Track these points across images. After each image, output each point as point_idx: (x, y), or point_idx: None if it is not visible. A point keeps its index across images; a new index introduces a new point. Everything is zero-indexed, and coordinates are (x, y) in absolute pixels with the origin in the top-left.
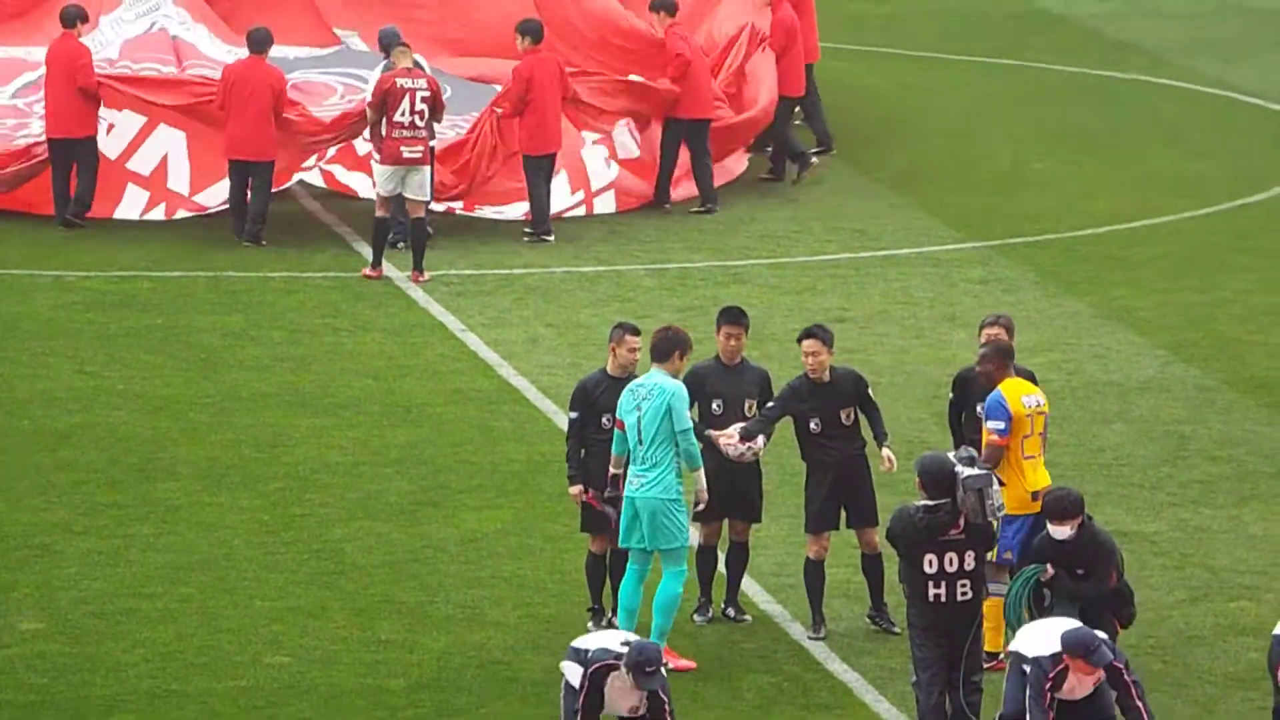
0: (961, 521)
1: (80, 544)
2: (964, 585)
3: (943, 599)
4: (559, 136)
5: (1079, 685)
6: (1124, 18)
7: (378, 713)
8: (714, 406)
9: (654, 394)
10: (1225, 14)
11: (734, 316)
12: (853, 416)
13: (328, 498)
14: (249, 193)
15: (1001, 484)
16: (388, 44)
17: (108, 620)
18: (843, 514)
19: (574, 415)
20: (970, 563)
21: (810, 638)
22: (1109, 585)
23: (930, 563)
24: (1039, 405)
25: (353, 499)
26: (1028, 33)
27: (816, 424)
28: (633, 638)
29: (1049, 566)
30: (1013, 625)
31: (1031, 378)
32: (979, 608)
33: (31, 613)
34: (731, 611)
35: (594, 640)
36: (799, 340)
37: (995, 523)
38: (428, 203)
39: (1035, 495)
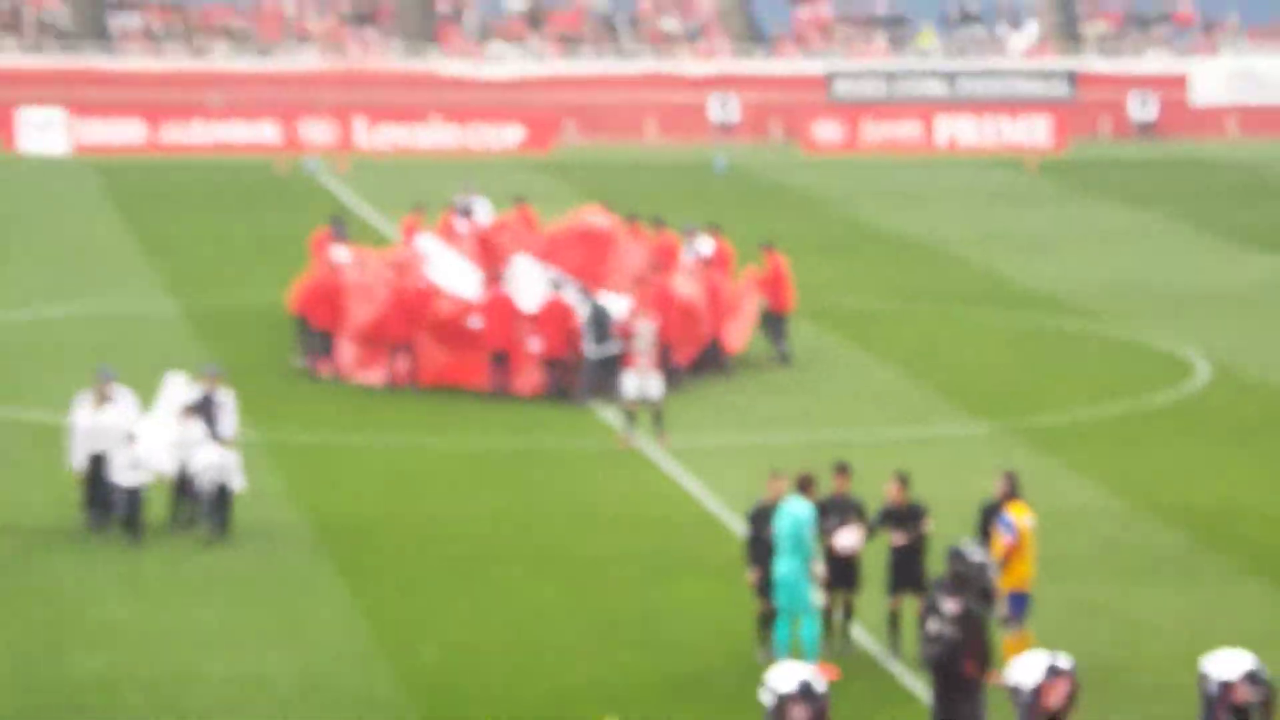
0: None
1: None
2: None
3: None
4: None
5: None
6: None
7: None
8: (832, 520)
9: (790, 515)
10: None
11: (844, 467)
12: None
13: None
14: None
15: (999, 566)
16: None
17: None
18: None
19: (750, 532)
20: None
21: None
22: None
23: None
24: (1030, 524)
25: None
26: None
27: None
28: (805, 675)
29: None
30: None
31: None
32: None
33: None
34: (843, 647)
35: (779, 676)
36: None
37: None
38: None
39: (1021, 587)
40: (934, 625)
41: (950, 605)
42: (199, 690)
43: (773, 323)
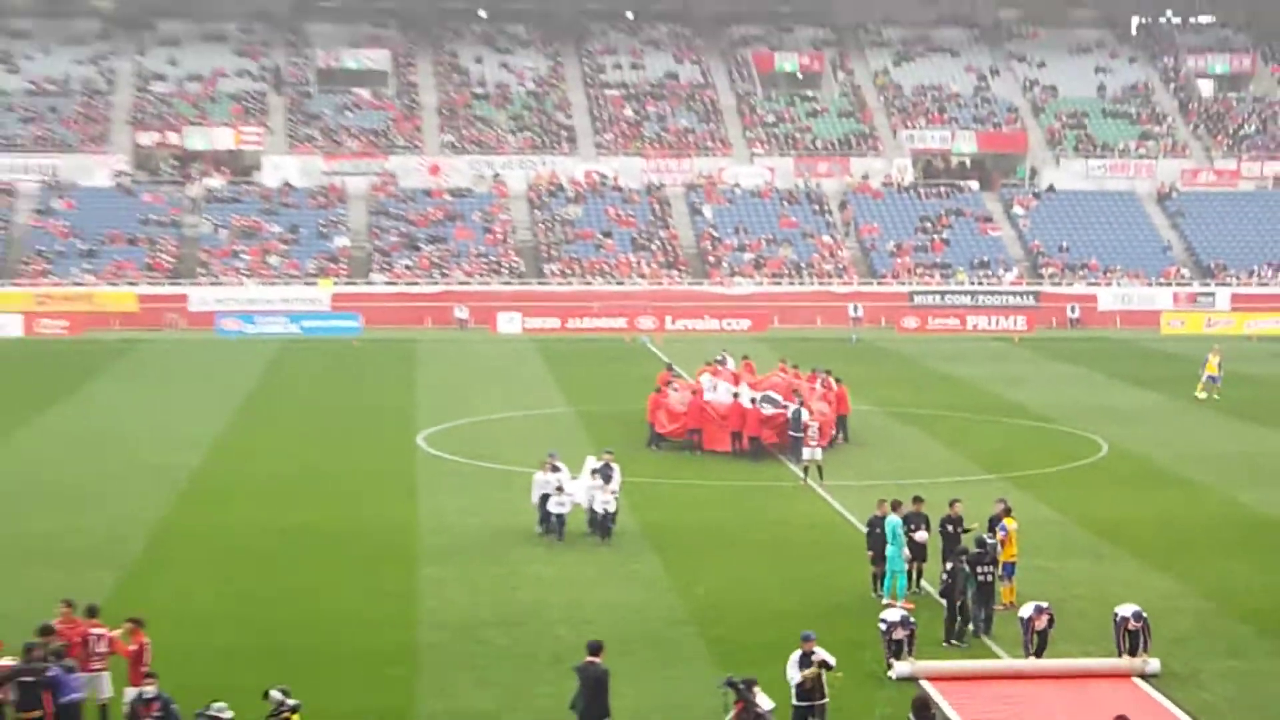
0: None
1: None
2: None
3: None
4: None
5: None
6: None
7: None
8: (912, 525)
9: (890, 522)
10: None
11: (918, 498)
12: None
13: None
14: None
15: (1001, 548)
16: None
17: None
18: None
19: (868, 532)
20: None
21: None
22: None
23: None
24: (1015, 528)
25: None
26: None
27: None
28: (903, 612)
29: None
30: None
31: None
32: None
33: None
34: (916, 592)
35: (889, 612)
36: (952, 503)
37: (999, 560)
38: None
39: (1011, 560)
40: (943, 576)
41: (949, 565)
42: (583, 608)
43: (840, 420)
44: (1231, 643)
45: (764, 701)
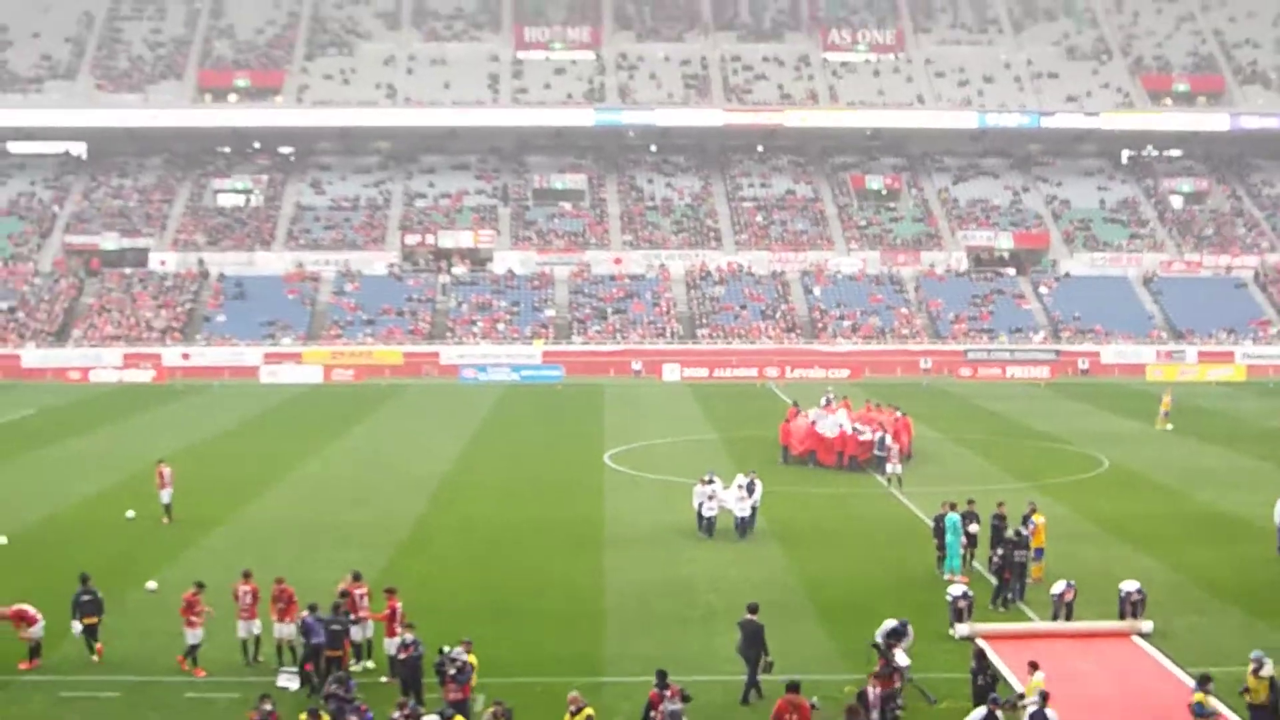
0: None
1: None
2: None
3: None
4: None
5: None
6: None
7: None
8: (967, 520)
9: (950, 518)
10: None
11: (971, 500)
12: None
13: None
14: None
15: (1032, 535)
16: None
17: None
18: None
19: (933, 526)
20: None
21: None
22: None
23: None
24: (1042, 521)
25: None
26: None
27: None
28: (964, 588)
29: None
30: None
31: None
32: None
33: None
34: (968, 570)
35: (953, 588)
36: (999, 504)
37: (1030, 546)
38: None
39: (1039, 546)
40: (993, 559)
41: (1000, 550)
42: (725, 581)
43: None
44: (1195, 605)
45: (901, 659)
